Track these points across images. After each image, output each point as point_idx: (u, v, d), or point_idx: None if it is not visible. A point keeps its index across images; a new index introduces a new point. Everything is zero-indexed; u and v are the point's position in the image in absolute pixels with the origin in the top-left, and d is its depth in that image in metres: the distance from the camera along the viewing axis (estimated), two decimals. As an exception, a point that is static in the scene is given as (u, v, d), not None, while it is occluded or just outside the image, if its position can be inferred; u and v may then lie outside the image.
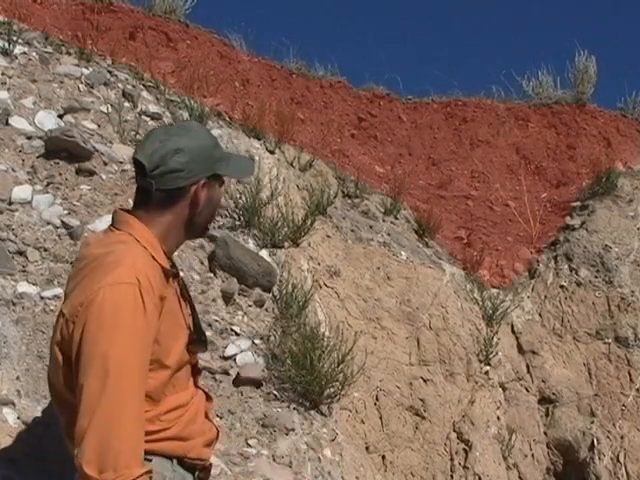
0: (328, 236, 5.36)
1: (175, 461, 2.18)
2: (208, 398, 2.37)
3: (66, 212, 3.96)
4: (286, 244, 4.87)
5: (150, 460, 2.11)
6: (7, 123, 4.28)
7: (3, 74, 4.60)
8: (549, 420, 5.72)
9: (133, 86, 5.25)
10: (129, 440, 1.97)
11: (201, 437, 2.25)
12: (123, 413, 1.98)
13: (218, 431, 2.38)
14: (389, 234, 5.76)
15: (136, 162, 2.19)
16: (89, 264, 2.15)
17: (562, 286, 6.24)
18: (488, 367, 5.48)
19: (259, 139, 5.58)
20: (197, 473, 2.25)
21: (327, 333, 4.53)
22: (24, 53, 4.87)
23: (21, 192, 3.91)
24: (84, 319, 2.04)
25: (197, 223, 2.25)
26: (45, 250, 3.73)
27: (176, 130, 2.24)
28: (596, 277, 6.25)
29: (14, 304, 3.44)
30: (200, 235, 2.38)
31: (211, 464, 2.34)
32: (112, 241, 2.20)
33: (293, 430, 3.85)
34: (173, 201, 2.20)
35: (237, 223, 4.74)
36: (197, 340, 2.26)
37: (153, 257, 2.14)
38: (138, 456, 1.99)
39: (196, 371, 2.33)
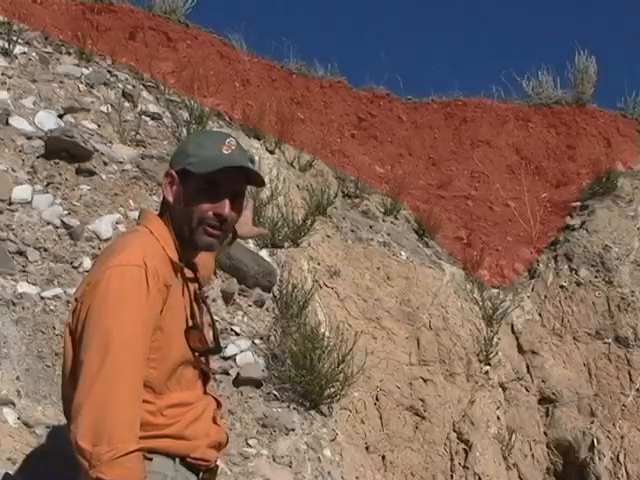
0: (328, 236, 5.36)
1: (177, 460, 2.17)
2: (218, 405, 2.36)
3: (66, 212, 3.96)
4: (286, 244, 4.87)
5: (151, 459, 2.10)
6: (7, 123, 4.28)
7: (3, 74, 4.60)
8: (549, 420, 5.72)
9: (133, 86, 5.26)
10: (125, 415, 1.98)
11: (206, 438, 2.24)
12: (121, 389, 1.98)
13: (228, 436, 2.37)
14: (389, 234, 5.76)
15: None
16: (101, 254, 2.26)
17: (562, 286, 6.23)
18: (488, 367, 5.48)
19: (259, 139, 5.58)
20: (201, 474, 2.24)
21: (327, 333, 4.53)
22: (24, 53, 4.87)
23: (21, 192, 3.92)
24: (90, 298, 2.07)
25: (177, 222, 2.21)
26: (45, 250, 3.73)
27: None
28: (596, 277, 6.24)
29: (14, 304, 3.44)
30: (191, 243, 2.21)
31: (217, 466, 2.32)
32: (127, 232, 2.29)
33: (293, 430, 3.85)
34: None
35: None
36: (194, 327, 2.23)
37: (164, 249, 2.16)
38: (133, 432, 1.99)
39: (206, 378, 2.33)
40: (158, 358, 2.11)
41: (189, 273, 2.26)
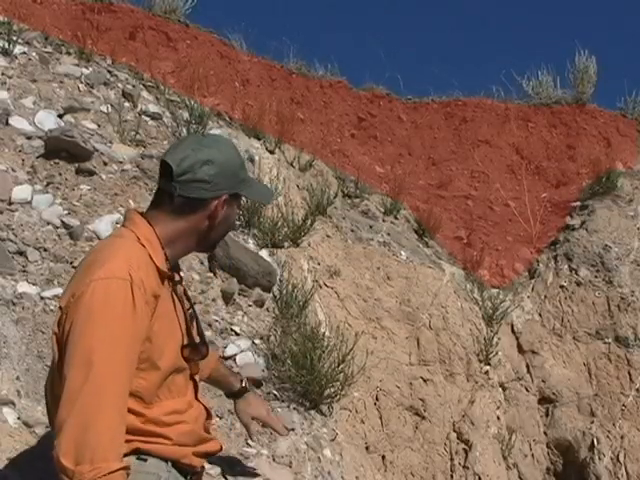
0: (328, 236, 5.36)
1: (170, 463, 2.18)
2: (208, 416, 2.35)
3: (66, 212, 3.96)
4: (286, 244, 4.87)
5: (145, 460, 2.11)
6: (7, 123, 4.28)
7: (3, 74, 4.60)
8: (549, 420, 5.72)
9: (133, 86, 5.26)
10: (108, 434, 1.96)
11: (196, 448, 2.25)
12: (104, 406, 1.97)
13: (221, 447, 2.38)
14: (389, 234, 5.76)
15: (163, 164, 2.20)
16: (85, 259, 2.21)
17: (562, 286, 6.24)
18: (488, 367, 5.48)
19: (259, 139, 5.58)
20: (189, 476, 2.26)
21: (327, 333, 4.53)
22: (24, 53, 4.87)
23: (21, 192, 3.92)
24: (74, 311, 2.05)
25: (211, 237, 2.28)
26: (45, 250, 3.73)
27: (209, 142, 2.25)
28: (596, 277, 6.24)
29: (14, 304, 3.44)
30: (209, 249, 2.43)
31: (203, 467, 2.35)
32: (111, 235, 2.28)
33: (293, 430, 3.84)
34: (191, 210, 2.20)
35: (237, 223, 4.74)
36: (191, 345, 2.24)
37: (150, 256, 2.15)
38: (116, 451, 1.98)
39: (196, 384, 2.32)
40: (147, 368, 2.10)
41: (176, 276, 2.25)
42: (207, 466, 2.47)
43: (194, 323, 2.30)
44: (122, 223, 2.27)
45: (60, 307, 2.13)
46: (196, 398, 2.30)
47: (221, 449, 2.39)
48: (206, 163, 2.18)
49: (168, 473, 2.17)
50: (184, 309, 2.26)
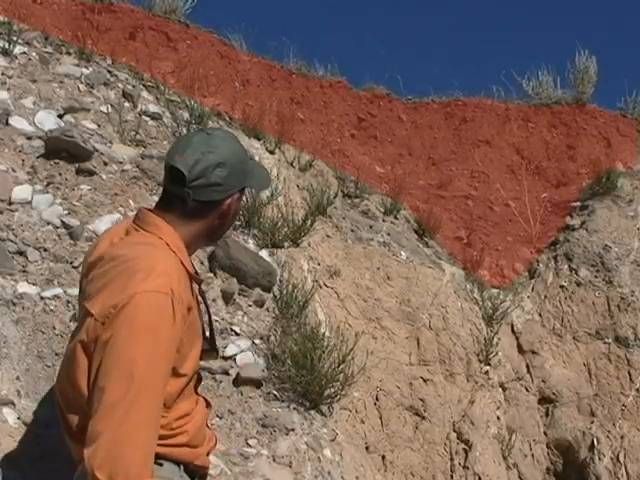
0: (328, 236, 5.36)
1: (182, 467, 2.19)
2: (207, 405, 2.37)
3: (66, 212, 3.96)
4: (286, 244, 4.87)
5: (161, 465, 2.11)
6: (7, 123, 4.28)
7: (3, 74, 4.60)
8: (549, 420, 5.72)
9: (133, 86, 5.26)
10: (143, 450, 1.97)
11: (206, 446, 2.28)
12: (141, 422, 1.97)
13: (217, 439, 2.41)
14: (389, 234, 5.76)
15: (172, 168, 2.17)
16: (117, 265, 2.12)
17: (562, 286, 6.24)
18: (488, 367, 5.48)
19: (259, 139, 5.58)
20: (196, 479, 2.27)
21: (327, 333, 4.53)
22: (24, 53, 4.87)
23: (21, 192, 3.92)
24: (116, 322, 2.02)
25: (219, 233, 2.31)
26: (45, 250, 3.73)
27: (217, 141, 2.22)
28: (596, 277, 6.24)
29: (14, 304, 3.44)
30: (214, 243, 2.44)
31: (208, 468, 2.37)
32: (140, 242, 2.18)
33: (293, 430, 3.85)
34: (205, 213, 2.21)
35: (237, 223, 4.74)
36: (210, 349, 2.28)
37: (182, 263, 2.15)
38: (150, 466, 1.99)
39: (198, 380, 2.34)
40: (172, 375, 2.10)
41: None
42: (207, 466, 2.49)
43: (209, 325, 2.33)
44: (142, 226, 2.21)
45: (92, 314, 2.08)
46: (196, 392, 2.32)
47: (216, 441, 2.40)
48: (218, 166, 2.17)
49: (180, 478, 2.18)
50: (207, 311, 2.29)
